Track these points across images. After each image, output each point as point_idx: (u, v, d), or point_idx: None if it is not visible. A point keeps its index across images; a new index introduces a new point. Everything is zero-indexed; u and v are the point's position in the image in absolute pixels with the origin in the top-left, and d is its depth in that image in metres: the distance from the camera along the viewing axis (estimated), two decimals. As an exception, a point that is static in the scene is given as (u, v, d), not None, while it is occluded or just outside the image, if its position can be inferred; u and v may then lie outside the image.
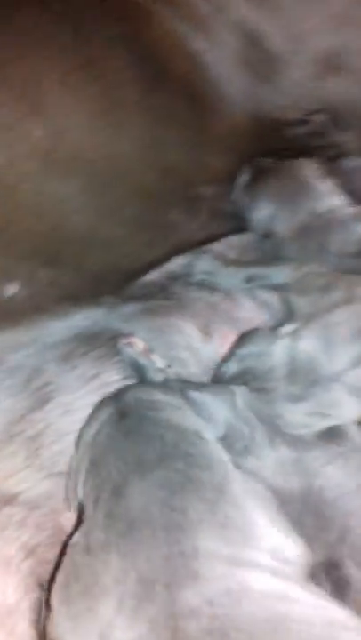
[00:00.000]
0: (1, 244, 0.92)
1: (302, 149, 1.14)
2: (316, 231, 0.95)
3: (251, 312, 0.94)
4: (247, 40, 1.15)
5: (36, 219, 0.95)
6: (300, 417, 0.72)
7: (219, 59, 1.14)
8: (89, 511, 0.58)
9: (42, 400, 0.81)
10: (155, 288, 0.96)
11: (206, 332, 0.91)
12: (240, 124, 1.12)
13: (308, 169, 1.01)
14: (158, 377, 0.78)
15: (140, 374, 0.80)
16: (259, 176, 1.04)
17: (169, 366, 0.81)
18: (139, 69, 1.07)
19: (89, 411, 0.77)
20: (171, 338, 0.88)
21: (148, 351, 0.81)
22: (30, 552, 0.71)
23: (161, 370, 0.79)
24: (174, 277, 0.99)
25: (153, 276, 0.99)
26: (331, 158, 1.12)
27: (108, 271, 0.97)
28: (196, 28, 1.14)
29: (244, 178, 1.07)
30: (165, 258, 1.01)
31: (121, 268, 0.98)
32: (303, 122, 1.16)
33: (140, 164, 1.03)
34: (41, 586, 0.71)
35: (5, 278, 0.90)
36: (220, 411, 0.67)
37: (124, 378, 0.82)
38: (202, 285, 0.96)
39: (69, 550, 0.58)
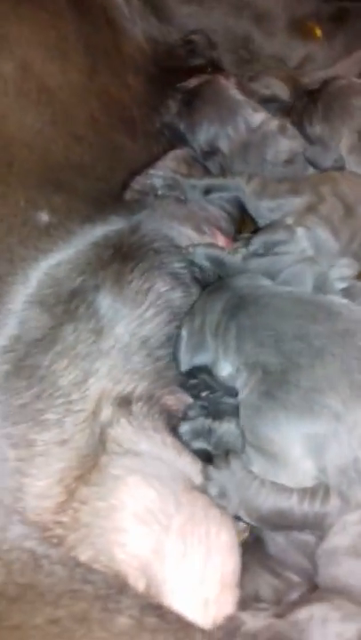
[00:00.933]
0: (16, 177, 0.98)
1: (190, 67, 1.35)
2: (254, 145, 1.17)
3: (217, 214, 1.17)
4: None
5: (27, 150, 1.00)
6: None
7: None
8: (267, 357, 0.81)
9: (116, 318, 0.92)
10: (138, 205, 1.08)
11: (200, 231, 1.11)
12: (143, 46, 1.28)
13: (230, 88, 1.21)
14: (237, 257, 0.99)
15: (220, 262, 0.99)
16: (189, 100, 1.21)
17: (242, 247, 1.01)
18: None
19: (158, 319, 0.95)
20: (180, 241, 1.06)
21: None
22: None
23: (235, 251, 1.00)
24: (145, 193, 1.12)
25: (129, 195, 1.11)
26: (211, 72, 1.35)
27: (95, 193, 1.05)
28: None
29: (174, 103, 1.24)
30: (126, 178, 1.13)
31: (101, 190, 1.07)
32: (187, 42, 1.36)
33: (86, 92, 1.13)
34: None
35: (34, 208, 0.95)
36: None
37: (172, 287, 0.99)
38: (170, 197, 1.13)
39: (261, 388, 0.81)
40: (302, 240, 1.00)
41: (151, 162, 1.19)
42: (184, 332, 0.92)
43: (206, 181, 1.14)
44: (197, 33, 1.34)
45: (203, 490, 0.81)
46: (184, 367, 0.92)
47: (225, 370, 0.87)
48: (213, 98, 1.20)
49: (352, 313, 0.84)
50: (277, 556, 0.84)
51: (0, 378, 0.81)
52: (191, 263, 1.04)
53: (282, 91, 1.35)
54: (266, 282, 0.92)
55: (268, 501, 0.77)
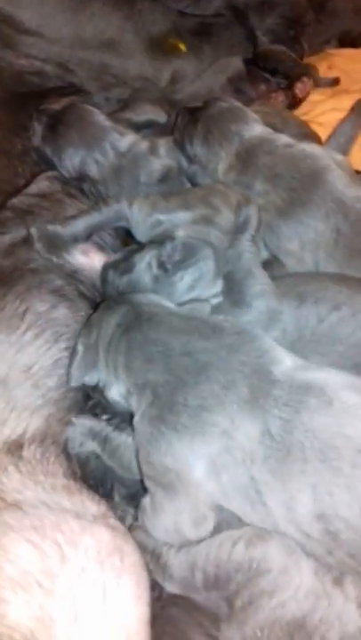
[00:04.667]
0: None
1: (48, 89, 1.33)
2: (126, 169, 1.15)
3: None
4: None
5: None
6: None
7: None
8: (155, 375, 0.78)
9: None
10: (12, 225, 1.04)
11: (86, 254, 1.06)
12: None
13: (96, 113, 1.18)
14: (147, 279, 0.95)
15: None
16: (53, 124, 1.17)
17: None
18: None
19: (39, 341, 0.89)
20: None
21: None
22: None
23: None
24: (22, 212, 1.08)
25: (3, 215, 1.07)
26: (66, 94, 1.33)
27: None
28: None
29: (38, 127, 1.18)
30: None
31: None
32: (36, 73, 1.34)
33: None
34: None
35: None
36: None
37: (53, 305, 0.94)
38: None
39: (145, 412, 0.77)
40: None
41: (18, 181, 1.17)
42: (80, 347, 0.86)
43: (84, 224, 1.07)
44: (48, 62, 1.31)
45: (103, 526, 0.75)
46: (73, 383, 0.86)
47: (115, 390, 0.82)
48: (77, 123, 1.16)
49: (234, 326, 0.82)
50: (205, 605, 0.78)
51: None
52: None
53: (156, 113, 1.34)
54: (167, 303, 0.89)
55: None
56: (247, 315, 0.90)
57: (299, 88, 1.49)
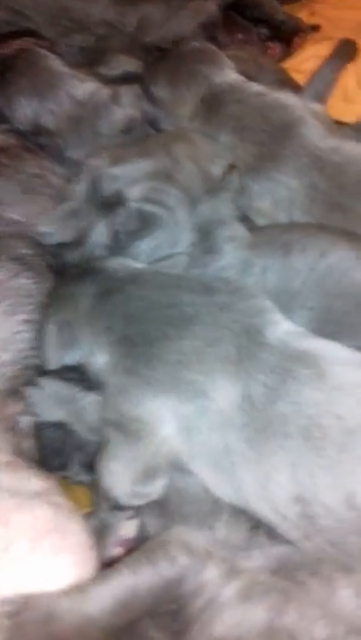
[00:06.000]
0: None
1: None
2: (86, 120, 1.06)
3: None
4: None
5: None
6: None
7: None
8: (135, 327, 0.74)
9: None
10: None
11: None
12: None
13: (51, 58, 1.09)
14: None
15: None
16: (2, 71, 1.08)
17: None
18: None
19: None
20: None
21: None
22: None
23: None
24: None
25: None
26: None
27: None
28: None
29: None
30: None
31: None
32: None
33: None
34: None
35: None
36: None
37: (15, 274, 0.88)
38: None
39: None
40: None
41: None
42: (52, 326, 0.80)
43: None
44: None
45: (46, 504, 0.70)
46: (53, 367, 0.79)
47: (100, 359, 0.75)
48: (29, 70, 1.07)
49: (229, 285, 0.77)
50: None
51: None
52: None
53: (132, 64, 1.25)
54: (139, 265, 0.83)
55: None
56: (220, 260, 0.86)
57: (297, 43, 1.44)
